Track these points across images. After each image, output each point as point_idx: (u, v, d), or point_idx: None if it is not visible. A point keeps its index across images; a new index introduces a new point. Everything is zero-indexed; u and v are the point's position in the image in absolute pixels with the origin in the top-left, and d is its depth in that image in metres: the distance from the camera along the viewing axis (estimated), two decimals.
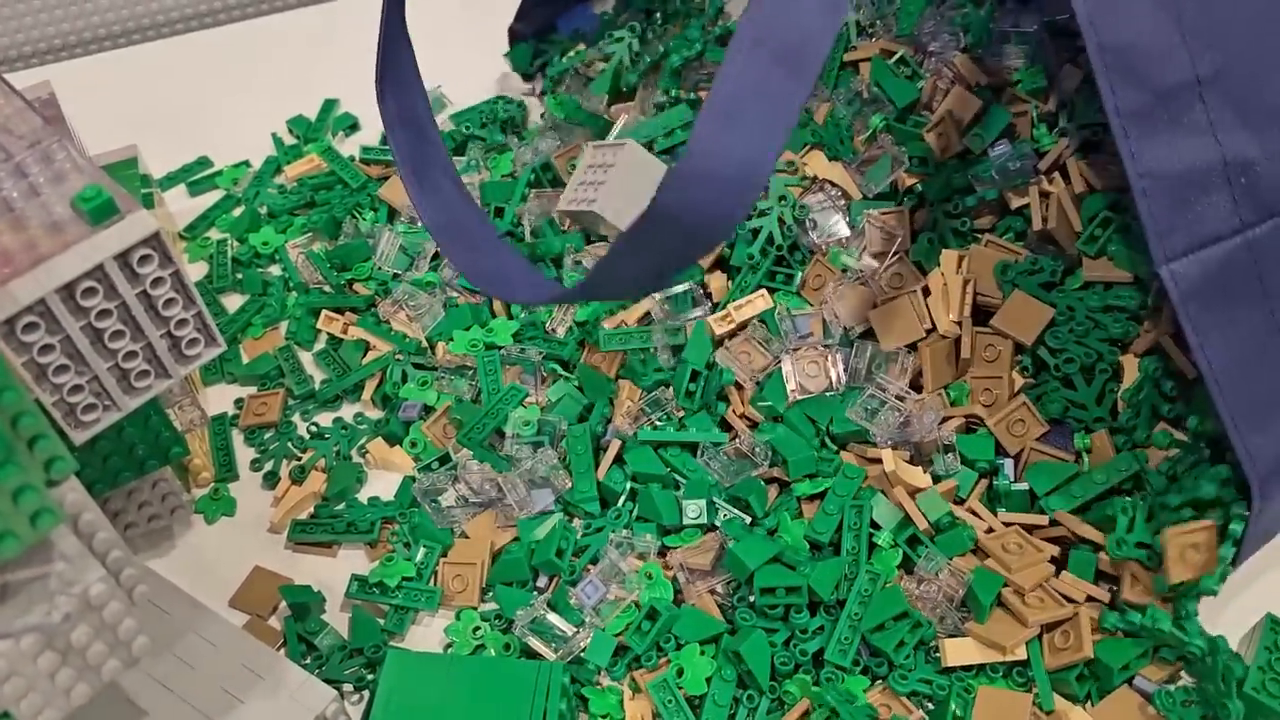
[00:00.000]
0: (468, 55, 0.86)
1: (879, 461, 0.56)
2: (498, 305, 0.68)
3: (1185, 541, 0.49)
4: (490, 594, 0.57)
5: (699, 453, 0.59)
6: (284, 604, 0.57)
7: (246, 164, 0.83)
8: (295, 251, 0.75)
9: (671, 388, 0.61)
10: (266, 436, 0.65)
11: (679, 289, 0.64)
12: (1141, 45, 0.49)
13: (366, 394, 0.66)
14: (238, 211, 0.80)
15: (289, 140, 0.85)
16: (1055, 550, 0.53)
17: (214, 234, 0.78)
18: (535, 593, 0.56)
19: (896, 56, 0.64)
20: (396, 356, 0.67)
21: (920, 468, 0.56)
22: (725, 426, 0.60)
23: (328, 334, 0.70)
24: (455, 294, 0.69)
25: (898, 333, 0.59)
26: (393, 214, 0.75)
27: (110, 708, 0.46)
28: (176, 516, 0.60)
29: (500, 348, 0.66)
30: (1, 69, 0.99)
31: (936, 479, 0.56)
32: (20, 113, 0.49)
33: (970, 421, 0.58)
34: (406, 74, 0.62)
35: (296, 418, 0.66)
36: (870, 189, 0.63)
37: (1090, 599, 0.52)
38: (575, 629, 0.53)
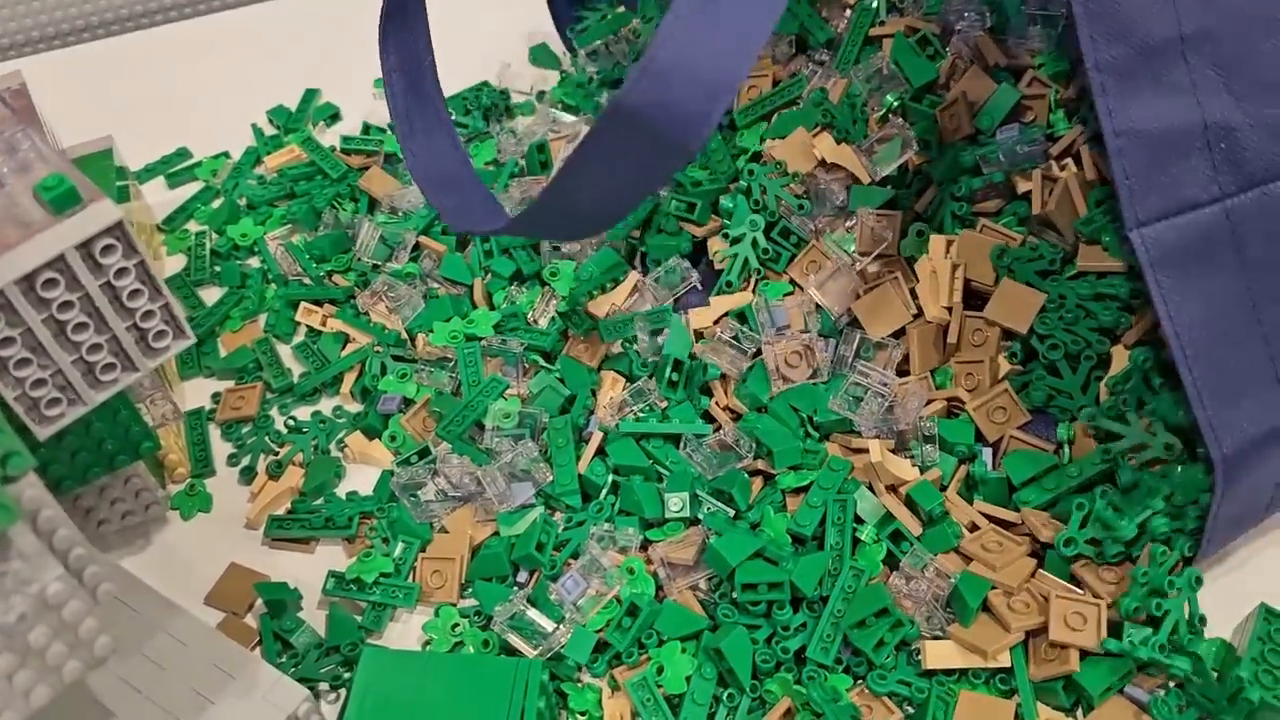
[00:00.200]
0: (450, 42, 0.84)
1: (865, 452, 0.55)
2: (479, 296, 0.67)
3: (1068, 608, 0.48)
4: (470, 590, 0.56)
5: (681, 445, 0.58)
6: (260, 601, 0.56)
7: (226, 155, 0.82)
8: (274, 243, 0.74)
9: (654, 379, 0.60)
10: (244, 431, 0.64)
11: (669, 264, 0.64)
12: None
13: (345, 387, 0.65)
14: (217, 203, 0.78)
15: (269, 131, 0.84)
16: (1030, 542, 0.52)
17: (193, 226, 0.77)
18: (515, 588, 0.55)
19: (919, 35, 0.63)
20: (376, 349, 0.66)
21: (904, 458, 0.55)
22: (709, 419, 0.60)
23: (307, 326, 0.69)
24: (436, 285, 0.68)
25: (884, 320, 0.58)
26: (373, 204, 0.74)
27: (76, 708, 0.45)
28: (151, 513, 0.59)
29: (481, 339, 0.65)
30: None
31: (920, 469, 0.55)
32: None
33: (953, 406, 0.57)
34: (413, 17, 0.60)
35: (274, 411, 0.65)
36: (878, 172, 0.62)
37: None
38: (555, 625, 0.52)
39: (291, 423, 0.64)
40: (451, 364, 0.64)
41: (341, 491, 0.61)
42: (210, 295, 0.72)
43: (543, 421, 0.59)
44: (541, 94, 0.83)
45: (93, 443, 0.52)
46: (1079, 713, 0.49)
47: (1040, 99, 0.58)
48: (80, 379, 0.45)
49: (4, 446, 0.36)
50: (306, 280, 0.71)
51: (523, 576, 0.56)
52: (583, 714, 0.50)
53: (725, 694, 0.50)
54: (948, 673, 0.50)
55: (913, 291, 0.59)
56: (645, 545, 0.56)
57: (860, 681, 0.50)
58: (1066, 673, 0.48)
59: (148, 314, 0.46)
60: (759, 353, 0.60)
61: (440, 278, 0.68)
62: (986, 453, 0.56)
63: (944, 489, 0.55)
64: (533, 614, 0.53)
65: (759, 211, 0.63)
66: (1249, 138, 0.48)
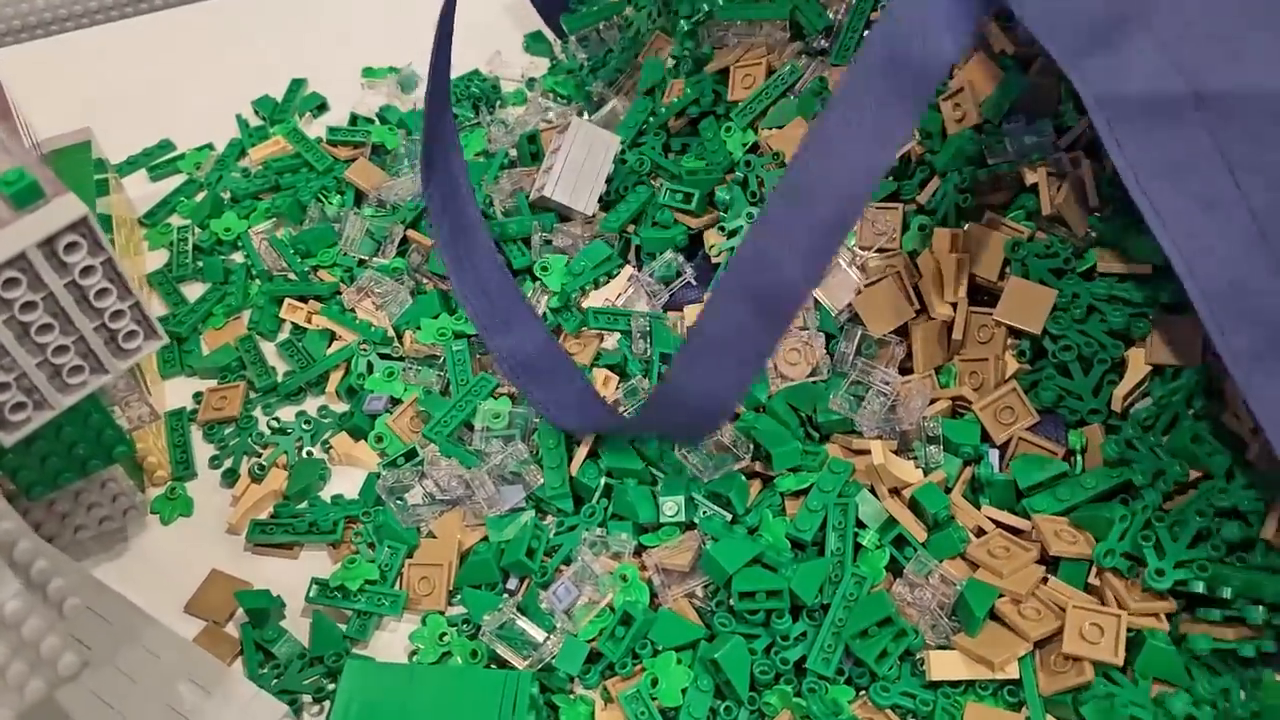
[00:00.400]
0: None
1: (866, 453, 0.53)
2: None
3: (1085, 619, 0.47)
4: (458, 597, 0.54)
5: (676, 446, 0.56)
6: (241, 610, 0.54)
7: (210, 147, 0.80)
8: (258, 237, 0.72)
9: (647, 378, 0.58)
10: (226, 432, 0.62)
11: (664, 258, 0.63)
12: None
13: (331, 386, 0.63)
14: (200, 196, 0.76)
15: (255, 122, 0.82)
16: (1038, 548, 0.50)
17: (175, 220, 0.75)
18: (505, 595, 0.53)
19: None
20: (362, 347, 0.64)
21: (907, 459, 0.53)
22: None
23: (291, 323, 0.67)
24: (424, 280, 0.66)
25: (885, 316, 0.56)
26: (360, 197, 0.72)
27: None
28: (129, 518, 0.57)
29: (470, 336, 0.63)
30: None
31: (924, 471, 0.53)
32: None
33: (958, 405, 0.55)
34: (453, 172, 0.64)
35: (258, 412, 0.63)
36: None
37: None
38: (546, 635, 0.51)
39: (275, 423, 0.62)
40: (439, 362, 0.62)
41: (326, 495, 0.59)
42: (193, 291, 0.70)
43: (533, 422, 0.58)
44: (532, 81, 0.81)
45: (63, 447, 0.50)
46: None
47: (1052, 92, 0.56)
48: (46, 382, 0.43)
49: None
50: (291, 276, 0.69)
51: (512, 584, 0.54)
52: None
53: (722, 706, 0.48)
54: (953, 684, 0.48)
55: (915, 286, 0.57)
56: (639, 551, 0.54)
57: (862, 693, 0.48)
58: (1080, 685, 0.46)
59: (117, 314, 0.44)
60: None
61: (428, 273, 0.66)
62: (993, 454, 0.54)
63: (949, 491, 0.53)
64: (523, 623, 0.51)
65: (756, 203, 0.61)
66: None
